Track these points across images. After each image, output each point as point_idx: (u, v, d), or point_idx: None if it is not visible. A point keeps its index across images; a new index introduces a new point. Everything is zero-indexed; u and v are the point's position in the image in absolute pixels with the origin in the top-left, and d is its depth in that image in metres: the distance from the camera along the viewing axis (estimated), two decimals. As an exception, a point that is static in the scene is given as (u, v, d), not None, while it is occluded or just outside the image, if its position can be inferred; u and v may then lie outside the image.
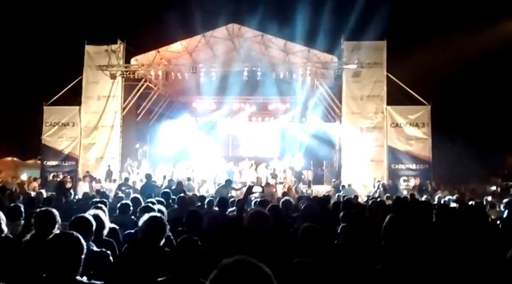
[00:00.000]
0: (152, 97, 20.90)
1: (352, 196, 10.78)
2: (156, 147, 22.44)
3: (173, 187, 11.44)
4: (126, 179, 14.98)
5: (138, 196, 7.50)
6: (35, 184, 16.66)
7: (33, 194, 11.73)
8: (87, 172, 17.50)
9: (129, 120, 19.46)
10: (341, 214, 5.93)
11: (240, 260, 1.28)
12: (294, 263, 2.59)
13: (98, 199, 7.41)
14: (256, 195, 10.35)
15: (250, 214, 4.07)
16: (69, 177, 16.91)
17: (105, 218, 4.39)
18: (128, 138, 19.44)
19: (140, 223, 3.75)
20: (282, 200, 6.83)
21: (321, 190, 16.87)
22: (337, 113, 18.72)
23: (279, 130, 23.43)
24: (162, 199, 7.42)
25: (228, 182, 12.72)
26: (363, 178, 16.95)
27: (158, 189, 11.01)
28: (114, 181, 17.13)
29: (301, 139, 21.54)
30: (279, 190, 15.21)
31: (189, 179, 16.00)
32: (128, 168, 18.36)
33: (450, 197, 10.35)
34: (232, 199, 8.85)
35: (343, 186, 15.45)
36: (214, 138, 23.61)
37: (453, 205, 6.15)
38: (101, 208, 5.05)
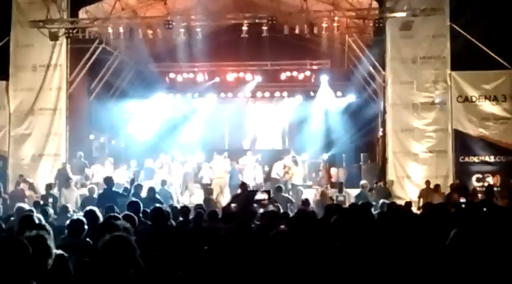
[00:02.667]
0: (111, 67, 20.95)
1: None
2: (119, 138, 22.52)
3: (143, 196, 11.53)
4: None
5: (95, 209, 7.57)
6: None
7: None
8: (21, 176, 17.56)
9: (79, 99, 19.55)
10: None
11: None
12: None
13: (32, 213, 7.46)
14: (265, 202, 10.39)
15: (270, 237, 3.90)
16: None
17: (50, 242, 4.46)
18: (77, 126, 19.54)
19: (99, 247, 3.82)
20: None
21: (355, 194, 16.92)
22: (380, 84, 18.68)
23: (295, 110, 23.42)
24: (129, 213, 7.51)
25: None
26: (417, 176, 17.00)
27: (123, 199, 11.10)
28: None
29: (327, 123, 21.56)
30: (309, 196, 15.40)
31: (163, 183, 16.06)
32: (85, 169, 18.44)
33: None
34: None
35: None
36: (202, 123, 23.65)
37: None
38: (44, 228, 5.11)
